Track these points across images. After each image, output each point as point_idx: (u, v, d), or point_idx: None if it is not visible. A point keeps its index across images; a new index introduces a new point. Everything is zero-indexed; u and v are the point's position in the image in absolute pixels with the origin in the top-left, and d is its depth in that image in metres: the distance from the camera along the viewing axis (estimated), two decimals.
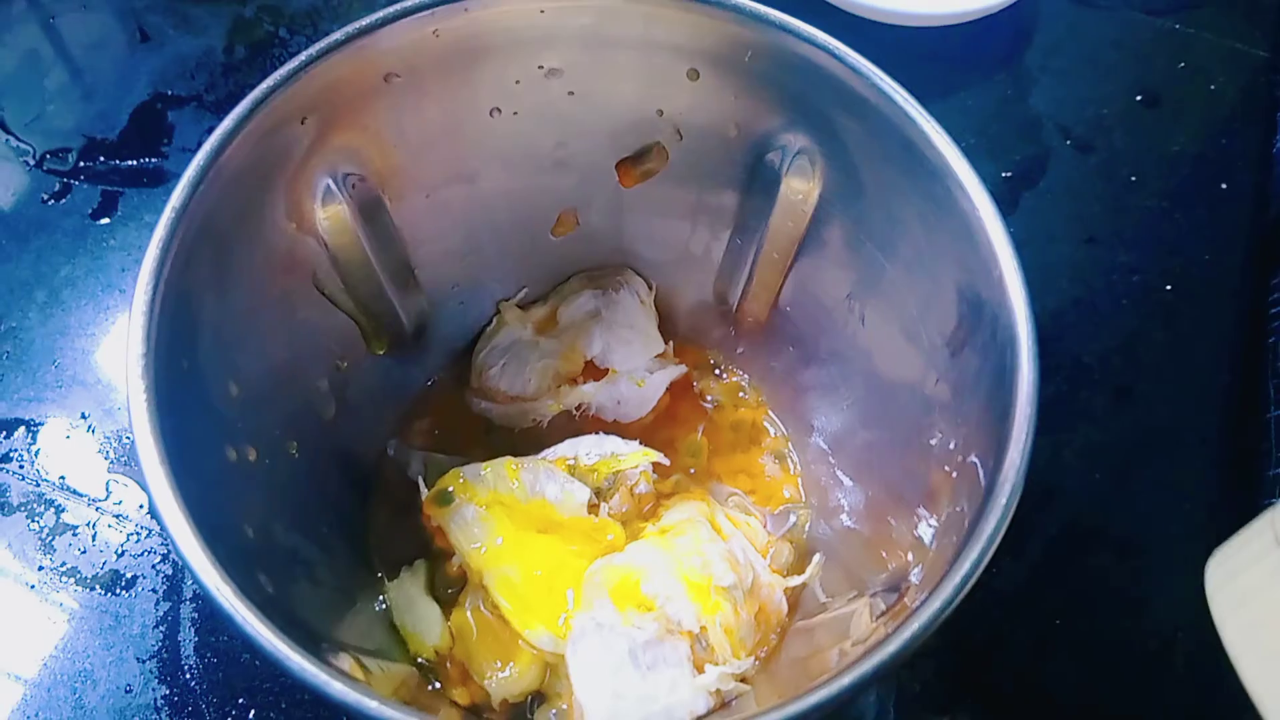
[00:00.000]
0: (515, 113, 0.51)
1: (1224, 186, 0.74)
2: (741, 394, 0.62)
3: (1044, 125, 0.77)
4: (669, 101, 0.51)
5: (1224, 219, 0.73)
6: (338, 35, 0.44)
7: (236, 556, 0.37)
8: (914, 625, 0.35)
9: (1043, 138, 0.76)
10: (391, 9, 0.44)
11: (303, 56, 0.43)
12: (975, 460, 0.41)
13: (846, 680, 0.34)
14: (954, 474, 0.43)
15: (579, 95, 0.51)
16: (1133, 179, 0.74)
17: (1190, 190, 0.74)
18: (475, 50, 0.48)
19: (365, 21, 0.44)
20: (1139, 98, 0.78)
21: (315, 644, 0.38)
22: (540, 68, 0.49)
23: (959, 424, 0.44)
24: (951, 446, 0.44)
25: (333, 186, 0.47)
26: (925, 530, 0.45)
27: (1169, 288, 0.69)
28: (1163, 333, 0.68)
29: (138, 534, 0.59)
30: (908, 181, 0.44)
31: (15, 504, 0.60)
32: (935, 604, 0.35)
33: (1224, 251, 0.71)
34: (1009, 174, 0.74)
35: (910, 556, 0.45)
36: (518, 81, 0.50)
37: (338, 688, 0.33)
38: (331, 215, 0.48)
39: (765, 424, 0.61)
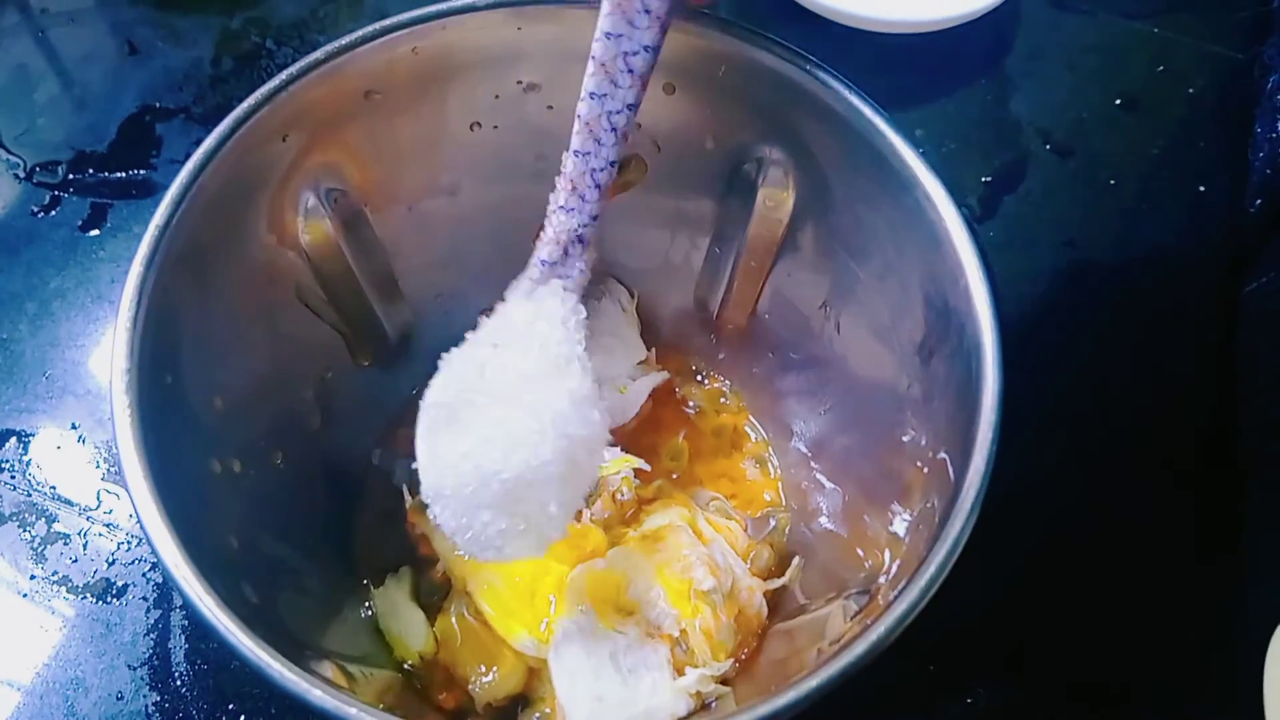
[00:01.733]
0: (495, 127, 0.52)
1: (1202, 189, 0.75)
2: (723, 399, 0.63)
3: (1024, 130, 0.77)
4: (646, 115, 0.51)
5: (1202, 221, 0.73)
6: (318, 54, 0.44)
7: (221, 567, 0.38)
8: (881, 627, 0.36)
9: (1022, 142, 0.77)
10: (370, 28, 0.45)
11: (283, 75, 0.44)
12: (945, 456, 0.42)
13: (814, 681, 0.35)
14: (926, 469, 0.44)
15: (558, 109, 0.52)
16: (1112, 182, 0.75)
17: (1169, 193, 0.75)
18: (454, 67, 0.48)
19: (345, 40, 0.45)
20: (1118, 101, 0.79)
21: (300, 652, 0.38)
22: (519, 83, 0.50)
23: (930, 423, 0.45)
24: (923, 443, 0.45)
25: (315, 201, 0.48)
26: (900, 526, 0.46)
27: (1148, 290, 0.70)
28: (1142, 335, 0.69)
29: (128, 543, 0.60)
30: (878, 192, 0.45)
31: (7, 513, 0.61)
32: (903, 605, 0.36)
33: (1203, 254, 0.72)
34: (989, 179, 0.75)
35: (886, 555, 0.46)
36: (497, 96, 0.51)
37: (318, 695, 0.34)
38: (314, 229, 0.49)
39: (746, 429, 0.62)
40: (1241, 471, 0.62)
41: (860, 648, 0.35)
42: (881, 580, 0.43)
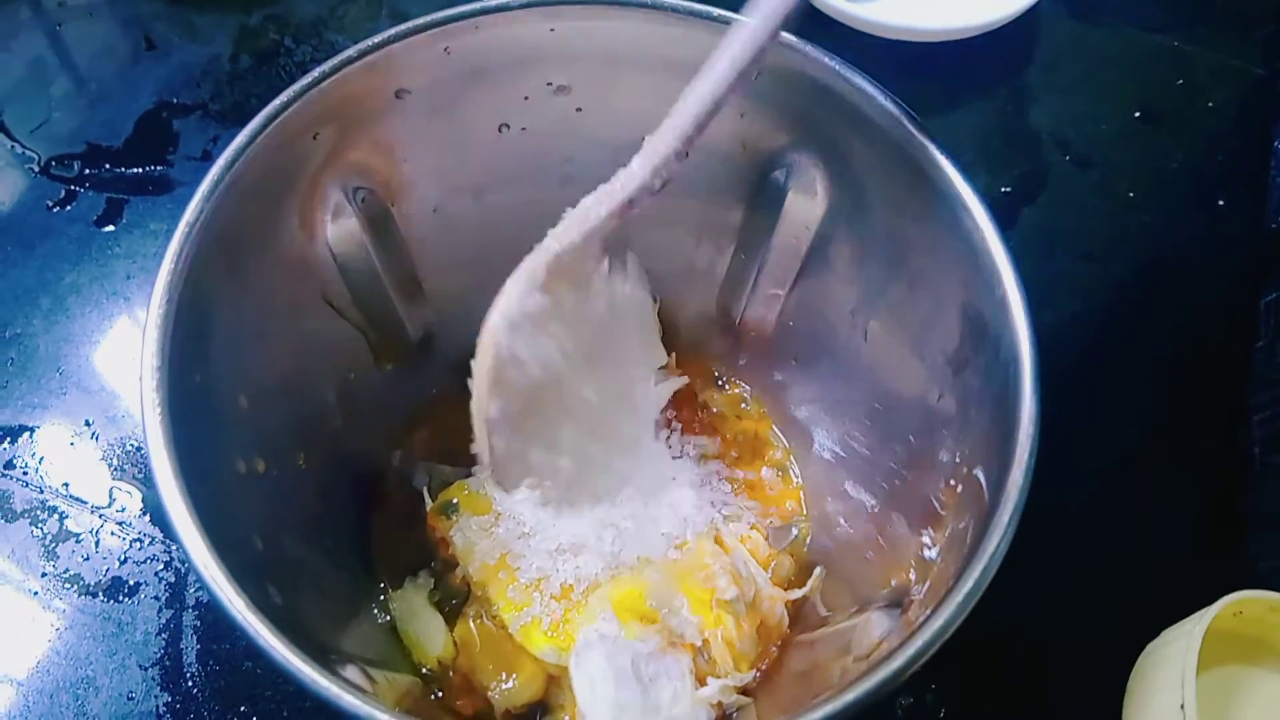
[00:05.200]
0: (524, 129, 0.52)
1: (1221, 203, 0.75)
2: (744, 405, 0.63)
3: (1043, 141, 0.77)
4: None
5: (1221, 235, 0.73)
6: (350, 52, 0.44)
7: (247, 567, 0.37)
8: (918, 642, 0.35)
9: (1042, 153, 0.77)
10: (403, 26, 0.45)
11: (316, 72, 0.44)
12: (979, 474, 0.41)
13: (851, 695, 0.34)
14: (958, 487, 0.44)
15: (587, 111, 0.51)
16: (1130, 195, 0.75)
17: (1188, 206, 0.75)
18: (485, 67, 0.48)
19: (378, 38, 0.45)
20: (1137, 114, 0.79)
21: (323, 654, 0.38)
22: (549, 85, 0.50)
23: (963, 439, 0.45)
24: (956, 460, 0.45)
25: (343, 200, 0.48)
26: (928, 545, 0.45)
27: (1167, 303, 0.70)
28: (1160, 348, 0.69)
29: (140, 541, 0.60)
30: (912, 200, 0.45)
31: (19, 511, 0.60)
32: (939, 621, 0.36)
33: (1221, 267, 0.72)
34: (1008, 189, 0.75)
35: (913, 573, 0.46)
36: (526, 98, 0.50)
37: (349, 700, 0.33)
38: (341, 228, 0.49)
39: (768, 436, 0.61)
40: (1260, 481, 0.62)
41: (897, 662, 0.35)
42: (915, 594, 0.43)
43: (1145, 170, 0.76)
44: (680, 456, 0.59)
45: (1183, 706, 0.46)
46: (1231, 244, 0.73)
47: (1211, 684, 0.50)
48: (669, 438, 0.61)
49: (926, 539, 0.45)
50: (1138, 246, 0.73)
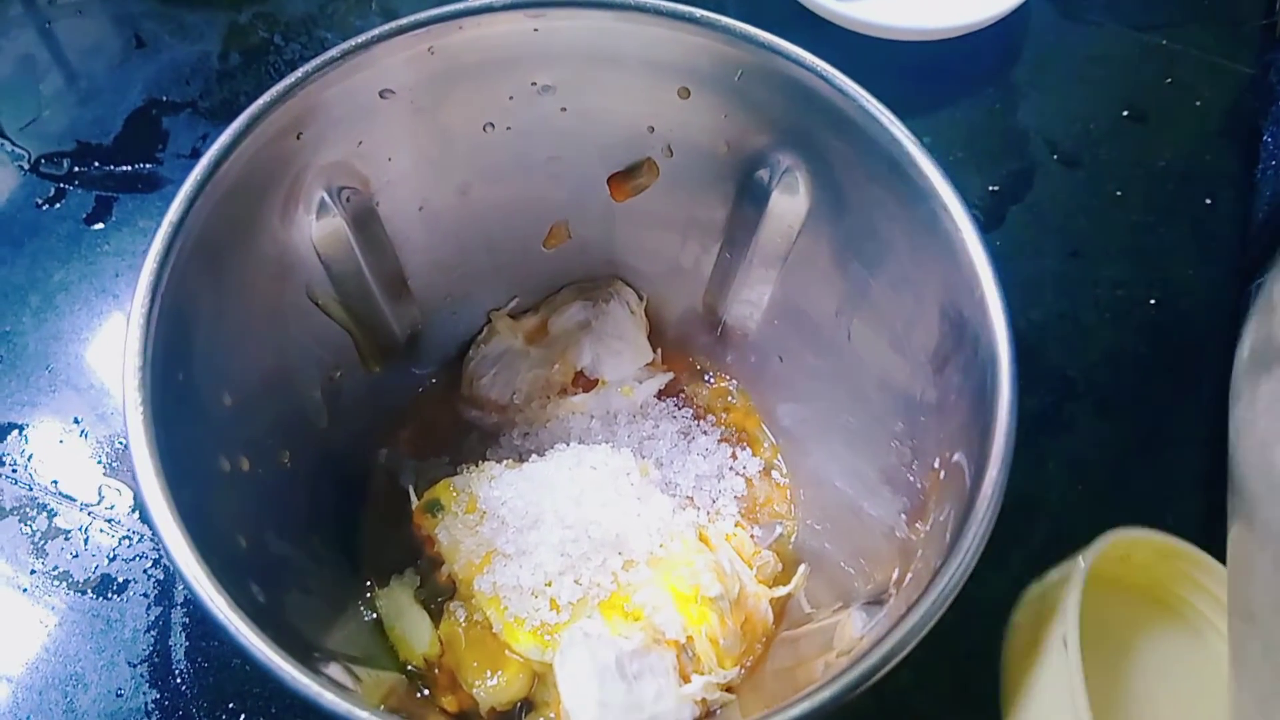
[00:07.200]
0: (508, 128, 0.52)
1: (1208, 202, 0.75)
2: (730, 398, 0.63)
3: (1031, 139, 0.78)
4: (660, 118, 0.52)
5: (1208, 234, 0.74)
6: (333, 52, 0.44)
7: (229, 566, 0.37)
8: (896, 637, 0.36)
9: (1030, 152, 0.77)
10: (387, 26, 0.45)
11: (299, 73, 0.44)
12: (961, 459, 0.41)
13: (829, 692, 0.35)
14: (941, 473, 0.44)
15: (571, 111, 0.52)
16: (1118, 194, 0.75)
17: (1175, 205, 0.75)
18: (469, 67, 0.48)
19: (361, 39, 0.45)
20: (1125, 113, 0.79)
21: (307, 652, 0.38)
22: (533, 84, 0.50)
23: (944, 431, 0.45)
24: (935, 454, 0.45)
25: (327, 199, 0.48)
26: (910, 540, 0.46)
27: (1153, 302, 0.70)
28: (1146, 346, 0.69)
29: (129, 538, 0.60)
30: (893, 201, 0.45)
31: (8, 508, 0.61)
32: (916, 616, 0.36)
33: (1208, 266, 0.72)
34: (996, 188, 0.75)
35: (895, 570, 0.46)
36: (511, 97, 0.50)
37: (329, 698, 0.34)
38: (326, 227, 0.49)
39: (756, 432, 0.62)
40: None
41: (874, 658, 0.35)
42: (892, 591, 0.43)
43: (1133, 169, 0.76)
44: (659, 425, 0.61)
45: (1065, 640, 0.44)
46: (1218, 243, 0.73)
47: (1097, 628, 0.47)
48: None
49: (909, 533, 0.45)
50: (1125, 245, 0.73)
